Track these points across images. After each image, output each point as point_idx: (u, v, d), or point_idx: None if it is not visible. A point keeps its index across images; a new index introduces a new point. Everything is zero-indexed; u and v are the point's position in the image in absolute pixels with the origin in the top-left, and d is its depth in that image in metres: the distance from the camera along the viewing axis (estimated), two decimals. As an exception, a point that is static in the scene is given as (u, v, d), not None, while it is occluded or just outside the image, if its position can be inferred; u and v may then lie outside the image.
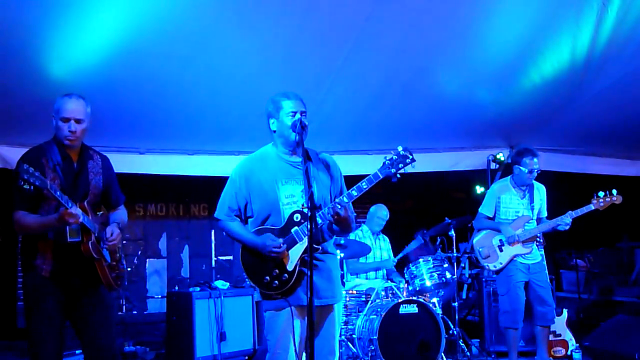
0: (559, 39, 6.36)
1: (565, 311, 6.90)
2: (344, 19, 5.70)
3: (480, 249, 6.18)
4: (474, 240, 6.32)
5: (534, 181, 6.16)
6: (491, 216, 6.20)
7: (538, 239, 6.10)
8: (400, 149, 3.72)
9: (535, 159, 6.06)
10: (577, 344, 6.60)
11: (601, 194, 5.78)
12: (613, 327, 5.98)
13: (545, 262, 6.16)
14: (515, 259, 6.00)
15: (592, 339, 6.08)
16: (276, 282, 3.69)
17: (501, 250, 6.05)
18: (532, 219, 6.05)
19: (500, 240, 6.06)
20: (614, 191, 5.80)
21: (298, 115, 3.74)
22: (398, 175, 3.70)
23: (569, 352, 6.65)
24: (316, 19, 5.66)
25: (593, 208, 5.78)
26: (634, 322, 5.93)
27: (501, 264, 6.05)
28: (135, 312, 9.14)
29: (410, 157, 3.72)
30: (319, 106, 6.44)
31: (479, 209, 6.34)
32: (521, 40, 6.30)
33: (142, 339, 7.95)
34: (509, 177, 6.26)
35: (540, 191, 6.18)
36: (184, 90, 6.38)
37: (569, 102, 7.38)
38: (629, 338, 5.54)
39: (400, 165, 3.69)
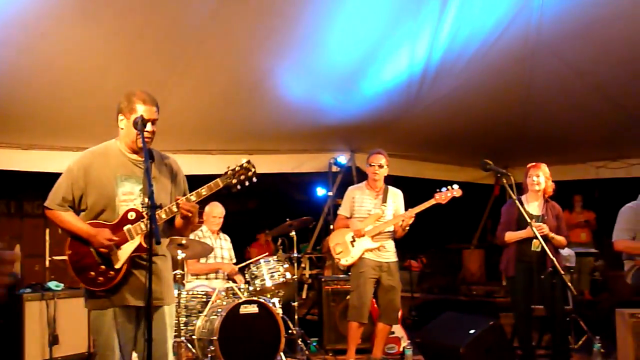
0: (398, 49, 6.67)
1: (398, 310, 7.19)
2: (190, 16, 5.66)
3: (335, 245, 6.36)
4: (330, 238, 6.52)
5: (390, 187, 6.41)
6: (348, 216, 6.37)
7: (391, 237, 6.33)
8: (244, 160, 3.73)
9: (376, 156, 6.26)
10: (409, 341, 6.92)
11: (443, 189, 6.11)
12: (442, 323, 6.27)
13: (397, 265, 6.41)
14: (366, 255, 6.22)
15: (422, 335, 6.36)
16: (101, 278, 3.59)
17: (353, 246, 6.26)
18: (382, 217, 6.26)
19: (352, 236, 6.26)
20: (455, 185, 6.15)
21: (149, 125, 3.65)
22: (239, 187, 3.70)
23: (401, 349, 6.93)
24: (162, 15, 5.59)
25: (435, 202, 6.09)
26: (461, 318, 6.27)
27: (352, 257, 6.23)
28: (-42, 315, 8.55)
29: (253, 170, 3.72)
30: (162, 104, 6.25)
31: (338, 211, 6.54)
32: (363, 47, 6.55)
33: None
34: (366, 180, 6.48)
35: (395, 195, 6.40)
36: (19, 80, 6.04)
37: (407, 110, 7.76)
38: (456, 332, 5.86)
39: (242, 177, 3.70)
